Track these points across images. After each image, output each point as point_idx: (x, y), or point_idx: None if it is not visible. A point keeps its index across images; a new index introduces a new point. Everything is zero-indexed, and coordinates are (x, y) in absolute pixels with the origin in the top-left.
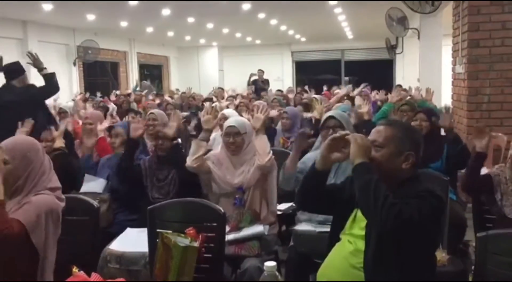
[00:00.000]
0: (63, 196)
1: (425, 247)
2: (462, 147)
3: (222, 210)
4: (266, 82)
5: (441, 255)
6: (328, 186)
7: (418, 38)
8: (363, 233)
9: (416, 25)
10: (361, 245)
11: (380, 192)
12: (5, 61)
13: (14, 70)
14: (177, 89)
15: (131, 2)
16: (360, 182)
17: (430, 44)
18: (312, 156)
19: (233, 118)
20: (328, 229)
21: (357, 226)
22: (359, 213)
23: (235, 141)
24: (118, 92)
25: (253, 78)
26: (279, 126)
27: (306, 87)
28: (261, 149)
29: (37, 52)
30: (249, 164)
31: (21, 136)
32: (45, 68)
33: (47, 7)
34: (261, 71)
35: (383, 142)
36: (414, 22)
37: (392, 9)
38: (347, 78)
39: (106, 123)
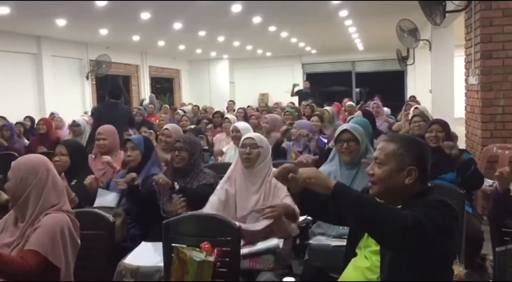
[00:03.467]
0: (74, 218)
1: (441, 260)
2: (473, 171)
3: (237, 224)
4: (309, 94)
5: (458, 269)
6: None
7: (430, 49)
8: (378, 247)
9: (427, 37)
10: (378, 260)
11: (374, 204)
12: (20, 75)
13: (121, 91)
14: (190, 103)
15: (143, 17)
16: (347, 203)
17: (442, 55)
18: (327, 169)
19: (251, 132)
20: (343, 243)
21: (372, 241)
22: None
23: (251, 152)
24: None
25: (297, 88)
26: (289, 143)
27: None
28: None
29: (51, 67)
30: (263, 187)
31: (33, 156)
32: None
33: (61, 22)
34: (306, 83)
35: (384, 159)
36: (425, 34)
37: (403, 21)
38: (358, 89)
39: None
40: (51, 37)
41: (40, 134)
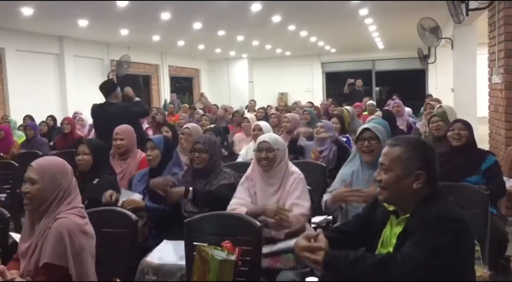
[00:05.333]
0: (85, 214)
1: (458, 273)
2: (497, 182)
3: (259, 224)
4: (361, 93)
5: (482, 271)
6: (345, 227)
7: (452, 47)
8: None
9: (449, 35)
10: None
11: (370, 264)
12: (43, 75)
13: (108, 89)
14: (202, 93)
15: (163, 17)
16: (346, 272)
17: (464, 53)
18: (349, 169)
19: (267, 134)
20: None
21: (385, 251)
22: (385, 237)
23: (267, 156)
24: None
25: (349, 81)
26: (308, 143)
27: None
28: None
29: (73, 67)
30: (282, 188)
31: (54, 157)
32: (135, 97)
33: (83, 23)
34: (360, 81)
35: (389, 165)
36: (447, 32)
37: (424, 19)
38: (378, 88)
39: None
40: (73, 38)
41: (64, 133)
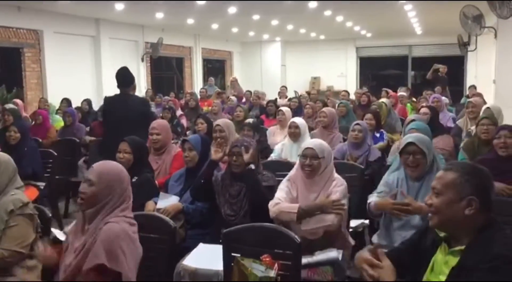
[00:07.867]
0: (134, 221)
1: None
2: None
3: (299, 239)
4: (443, 79)
5: None
6: (393, 253)
7: (495, 37)
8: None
9: (492, 24)
10: None
11: None
12: (80, 57)
13: (128, 79)
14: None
15: (198, 1)
16: None
17: (509, 44)
18: (395, 177)
19: (313, 140)
20: None
21: (434, 278)
22: (436, 265)
23: (312, 164)
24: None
25: (435, 66)
26: (345, 144)
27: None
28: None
29: (108, 49)
30: (324, 190)
31: (113, 162)
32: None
33: (119, 6)
34: (444, 67)
35: (441, 189)
36: (491, 20)
37: (467, 7)
38: (413, 72)
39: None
40: (109, 20)
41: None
